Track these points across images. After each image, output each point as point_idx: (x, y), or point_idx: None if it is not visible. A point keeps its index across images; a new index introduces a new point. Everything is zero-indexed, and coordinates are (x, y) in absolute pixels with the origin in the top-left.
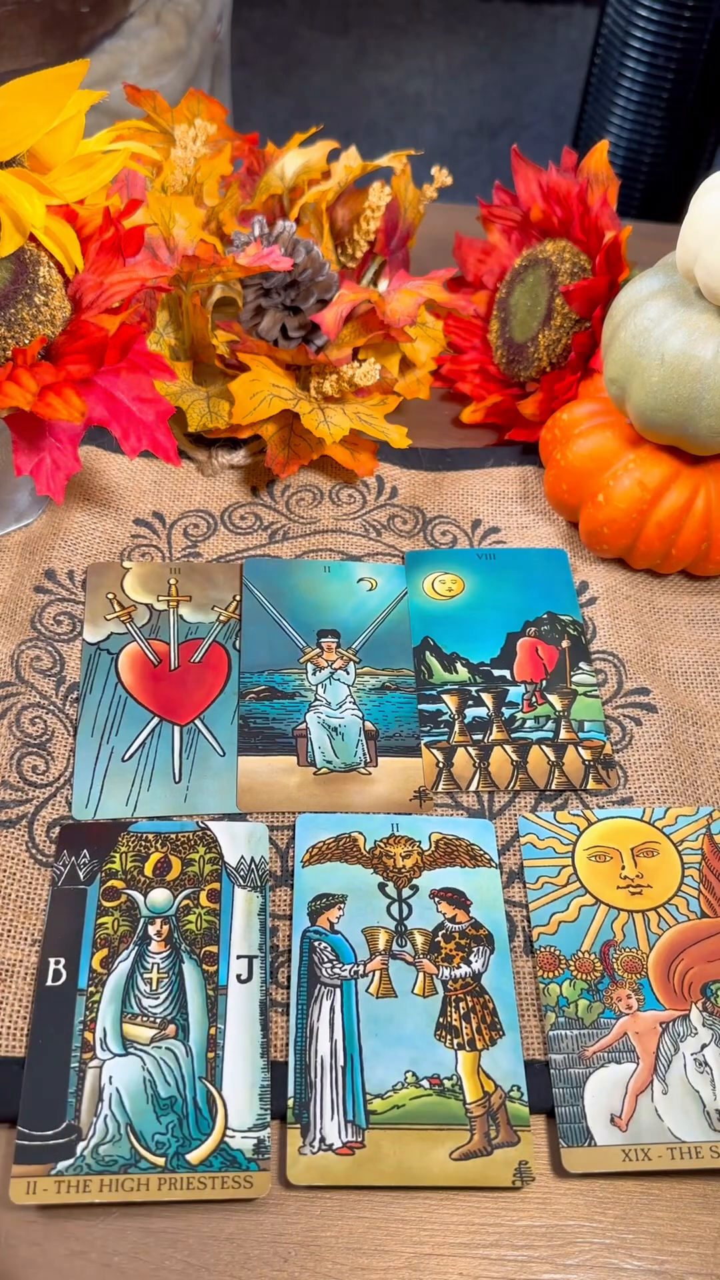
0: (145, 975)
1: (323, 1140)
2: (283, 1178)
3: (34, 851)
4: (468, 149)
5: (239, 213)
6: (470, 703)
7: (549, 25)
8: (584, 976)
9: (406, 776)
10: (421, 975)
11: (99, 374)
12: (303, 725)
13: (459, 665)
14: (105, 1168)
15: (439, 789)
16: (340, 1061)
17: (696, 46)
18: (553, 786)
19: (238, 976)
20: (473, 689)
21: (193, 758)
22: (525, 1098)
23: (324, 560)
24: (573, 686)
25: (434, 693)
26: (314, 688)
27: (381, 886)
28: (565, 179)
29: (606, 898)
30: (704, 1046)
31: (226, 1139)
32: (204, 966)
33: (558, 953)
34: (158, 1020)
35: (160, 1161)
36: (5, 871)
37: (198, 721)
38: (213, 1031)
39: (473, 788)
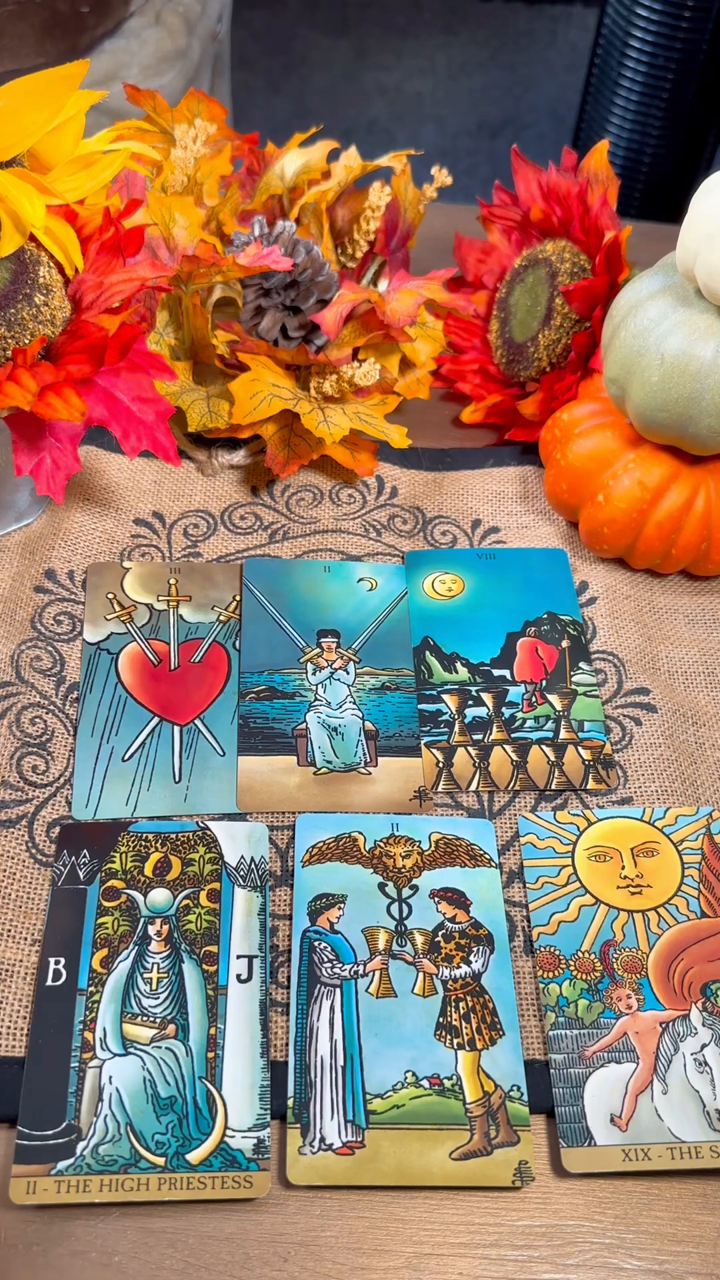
0: (145, 975)
1: (323, 1140)
2: (283, 1178)
3: (34, 851)
4: (468, 149)
5: (239, 213)
6: (470, 703)
7: (549, 25)
8: (584, 976)
9: (406, 776)
10: (421, 975)
11: (99, 374)
12: (303, 725)
13: (459, 665)
14: (105, 1168)
15: (439, 789)
16: (340, 1061)
17: (696, 46)
18: (553, 786)
19: (238, 976)
20: (473, 689)
21: (193, 758)
22: (525, 1098)
23: (324, 560)
24: (573, 686)
25: (434, 693)
26: (314, 688)
27: (381, 886)
28: (565, 179)
29: (606, 898)
30: (704, 1046)
31: (226, 1139)
32: (204, 966)
33: (558, 953)
34: (158, 1020)
35: (160, 1161)
36: (5, 871)
37: (198, 721)
38: (213, 1031)
39: (473, 788)
